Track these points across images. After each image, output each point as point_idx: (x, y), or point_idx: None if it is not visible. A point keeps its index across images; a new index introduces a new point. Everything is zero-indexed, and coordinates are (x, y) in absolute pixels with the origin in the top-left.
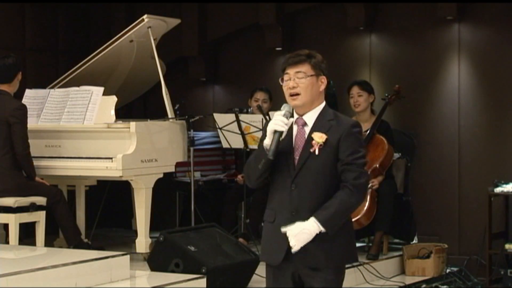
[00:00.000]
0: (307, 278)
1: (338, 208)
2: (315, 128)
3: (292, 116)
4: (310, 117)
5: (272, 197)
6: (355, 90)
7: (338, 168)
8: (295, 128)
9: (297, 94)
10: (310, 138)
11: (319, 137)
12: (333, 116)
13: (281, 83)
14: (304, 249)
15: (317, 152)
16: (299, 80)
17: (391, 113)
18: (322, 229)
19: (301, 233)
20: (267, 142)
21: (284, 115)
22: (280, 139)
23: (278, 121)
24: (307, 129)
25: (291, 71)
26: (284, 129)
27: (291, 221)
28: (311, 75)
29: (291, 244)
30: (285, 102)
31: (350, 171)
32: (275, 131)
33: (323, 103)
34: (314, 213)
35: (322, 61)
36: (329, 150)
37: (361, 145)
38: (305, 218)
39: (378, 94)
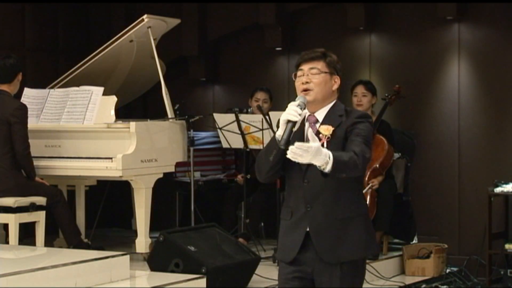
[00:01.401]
0: (320, 278)
1: (349, 161)
2: (325, 123)
3: (305, 108)
4: (321, 114)
5: (289, 195)
6: (360, 89)
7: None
8: (306, 125)
9: (309, 90)
10: (318, 132)
11: (325, 130)
12: (344, 112)
13: (293, 79)
14: (319, 243)
15: (325, 145)
16: (313, 76)
17: (391, 113)
18: (330, 163)
19: (317, 150)
20: (279, 132)
21: (298, 106)
22: (293, 129)
23: (292, 111)
24: (318, 126)
25: (305, 67)
26: (297, 119)
27: (307, 216)
28: (325, 72)
29: (298, 150)
30: (287, 102)
31: (356, 145)
32: (288, 121)
33: (335, 101)
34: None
35: (338, 61)
36: (337, 142)
37: (366, 129)
38: (320, 211)
39: (378, 94)
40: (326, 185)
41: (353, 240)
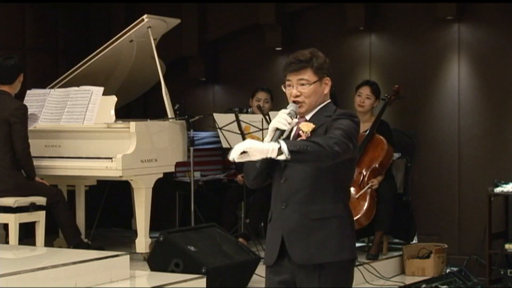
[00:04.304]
0: (301, 284)
1: (315, 143)
2: (311, 121)
3: (296, 116)
4: (310, 115)
5: (272, 197)
6: (365, 90)
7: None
8: (295, 127)
9: (301, 102)
10: (298, 129)
11: (305, 126)
12: (332, 112)
13: (283, 89)
14: (290, 243)
15: None
16: (302, 88)
17: (391, 113)
18: (283, 146)
19: (256, 144)
20: (267, 139)
21: (289, 114)
22: (281, 138)
23: (282, 119)
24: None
25: (293, 78)
26: (286, 128)
27: (281, 215)
28: (315, 82)
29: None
30: (287, 103)
31: (332, 132)
32: (277, 129)
33: (327, 101)
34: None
35: (325, 61)
36: None
37: (347, 124)
38: (294, 210)
39: None
40: (304, 183)
41: (323, 242)
